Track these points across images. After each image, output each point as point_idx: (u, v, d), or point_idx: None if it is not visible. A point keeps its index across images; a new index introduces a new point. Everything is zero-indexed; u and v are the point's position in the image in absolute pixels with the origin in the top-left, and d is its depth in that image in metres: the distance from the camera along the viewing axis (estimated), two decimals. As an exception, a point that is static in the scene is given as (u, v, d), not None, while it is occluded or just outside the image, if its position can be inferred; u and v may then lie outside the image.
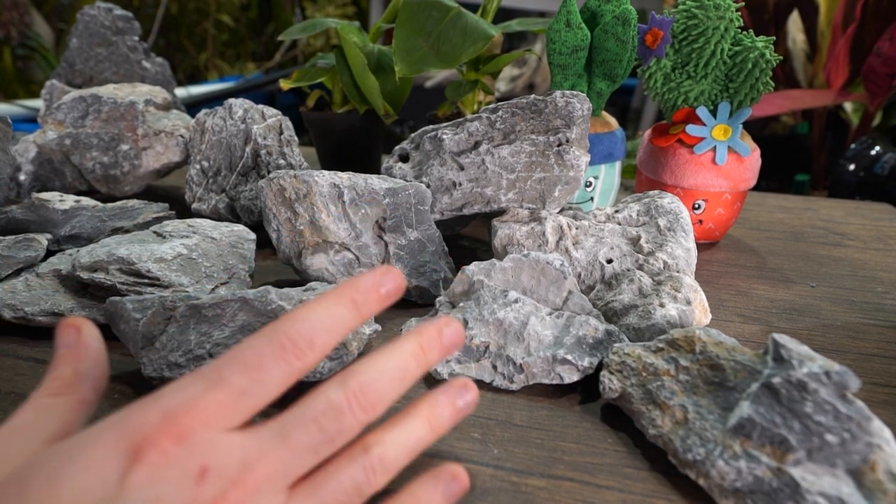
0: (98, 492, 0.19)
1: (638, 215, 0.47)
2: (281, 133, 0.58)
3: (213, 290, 0.40)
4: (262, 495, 0.21)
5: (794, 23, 1.54)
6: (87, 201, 0.51)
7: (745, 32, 0.52)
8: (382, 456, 0.23)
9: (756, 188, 1.31)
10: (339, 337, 0.24)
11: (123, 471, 0.20)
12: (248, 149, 0.56)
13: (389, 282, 0.25)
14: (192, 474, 0.20)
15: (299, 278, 0.46)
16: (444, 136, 0.46)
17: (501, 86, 1.83)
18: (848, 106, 1.53)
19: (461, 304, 0.39)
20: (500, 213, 0.48)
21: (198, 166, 0.58)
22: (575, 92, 0.45)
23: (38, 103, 1.35)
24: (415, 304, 0.46)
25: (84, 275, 0.39)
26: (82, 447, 0.20)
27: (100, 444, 0.20)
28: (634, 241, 0.45)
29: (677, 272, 0.42)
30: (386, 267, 0.25)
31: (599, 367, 0.36)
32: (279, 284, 0.45)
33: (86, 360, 0.24)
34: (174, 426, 0.20)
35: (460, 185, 0.46)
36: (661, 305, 0.38)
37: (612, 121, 0.57)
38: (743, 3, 0.52)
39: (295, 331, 0.23)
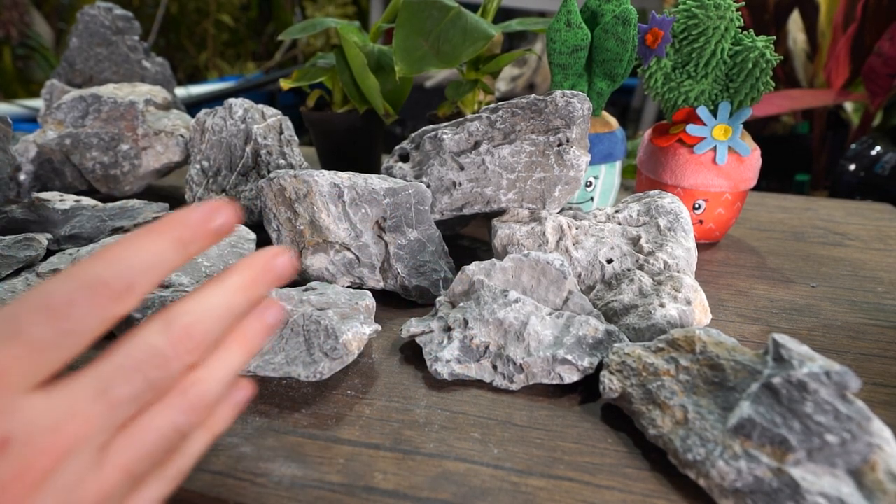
0: None
1: (638, 215, 0.47)
2: (281, 133, 0.58)
3: (213, 289, 0.40)
4: (73, 458, 0.19)
5: (795, 22, 1.54)
6: (87, 201, 0.51)
7: (745, 32, 0.52)
8: (202, 393, 0.22)
9: (756, 188, 1.31)
10: (161, 278, 0.21)
11: None
12: (248, 149, 0.56)
13: (221, 216, 0.22)
14: None
15: (299, 278, 0.46)
16: (444, 136, 0.46)
17: (501, 86, 1.83)
18: (848, 106, 1.53)
19: (461, 304, 0.39)
20: (500, 213, 0.48)
21: (198, 166, 0.58)
22: (575, 92, 0.45)
23: (38, 103, 1.35)
24: (415, 303, 0.46)
25: (84, 275, 0.39)
26: None
27: None
28: (634, 241, 0.45)
29: (677, 272, 0.42)
30: (217, 201, 0.22)
31: (599, 367, 0.36)
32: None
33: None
34: None
35: (460, 184, 0.46)
36: (662, 305, 0.38)
37: (613, 121, 0.57)
38: (743, 3, 0.52)
39: (111, 273, 0.20)
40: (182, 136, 0.62)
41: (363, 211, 0.44)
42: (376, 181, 0.44)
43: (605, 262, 0.44)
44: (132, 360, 0.20)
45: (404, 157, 0.50)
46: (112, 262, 0.20)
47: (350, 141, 0.68)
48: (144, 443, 0.21)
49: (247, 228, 0.46)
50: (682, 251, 0.43)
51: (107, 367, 0.20)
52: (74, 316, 0.19)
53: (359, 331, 0.35)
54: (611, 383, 0.33)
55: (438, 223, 0.48)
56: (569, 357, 0.35)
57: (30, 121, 1.25)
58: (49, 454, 0.19)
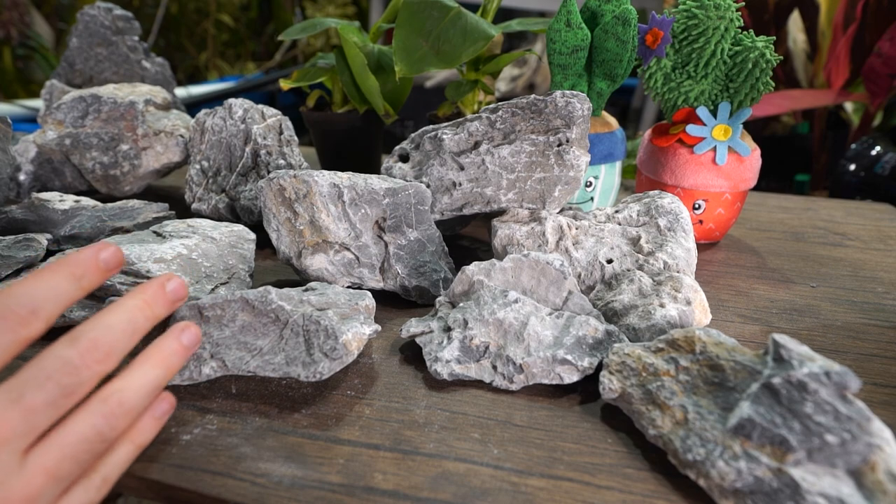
0: None
1: (638, 215, 0.47)
2: (281, 133, 0.58)
3: (212, 290, 0.40)
4: (1, 457, 0.22)
5: (795, 23, 1.54)
6: (87, 201, 0.51)
7: (745, 32, 0.52)
8: (121, 400, 0.25)
9: (756, 188, 1.31)
10: (62, 308, 0.25)
11: None
12: (248, 149, 0.56)
13: (107, 254, 0.26)
14: None
15: (299, 278, 0.46)
16: (444, 136, 0.46)
17: (501, 86, 1.83)
18: (848, 106, 1.52)
19: (461, 305, 0.39)
20: (500, 213, 0.48)
21: (198, 166, 0.58)
22: (575, 92, 0.45)
23: (38, 103, 1.35)
24: (415, 304, 0.46)
25: (84, 275, 0.39)
26: None
27: None
28: (634, 242, 0.45)
29: (677, 272, 0.42)
30: (103, 242, 0.27)
31: (599, 367, 0.36)
32: (279, 284, 0.45)
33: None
34: None
35: (460, 185, 0.46)
36: (662, 306, 0.38)
37: (612, 121, 0.57)
38: (743, 3, 0.52)
39: (15, 302, 0.24)
40: (182, 136, 0.62)
41: (363, 211, 0.44)
42: (376, 181, 0.44)
43: (604, 263, 0.44)
44: (44, 370, 0.23)
45: (404, 158, 0.50)
46: (16, 293, 0.24)
47: (350, 141, 0.68)
48: (65, 445, 0.24)
49: (247, 229, 0.46)
50: (682, 251, 0.43)
51: (21, 377, 0.23)
52: None
53: (359, 331, 0.35)
54: (610, 383, 0.33)
55: (438, 223, 0.48)
56: (568, 357, 0.35)
57: (30, 121, 1.25)
58: None
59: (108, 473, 0.26)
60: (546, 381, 0.35)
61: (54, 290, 0.25)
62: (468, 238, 0.59)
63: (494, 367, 0.36)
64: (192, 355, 0.29)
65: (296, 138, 0.59)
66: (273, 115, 0.59)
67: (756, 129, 1.58)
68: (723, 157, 0.53)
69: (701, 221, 0.56)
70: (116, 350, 0.25)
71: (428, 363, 0.36)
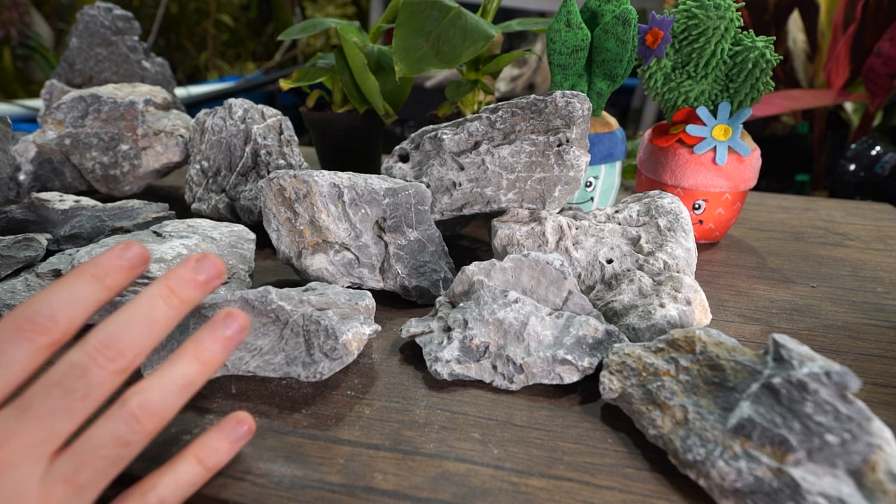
0: None
1: (638, 215, 0.47)
2: (281, 133, 0.58)
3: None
4: (16, 470, 0.22)
5: (795, 22, 1.54)
6: (86, 201, 0.51)
7: (745, 32, 0.52)
8: (143, 403, 0.24)
9: (756, 188, 1.31)
10: (85, 310, 0.24)
11: None
12: (247, 149, 0.56)
13: (131, 252, 0.26)
14: None
15: (299, 278, 0.46)
16: (444, 136, 0.46)
17: (501, 86, 1.83)
18: (848, 106, 1.52)
19: (461, 305, 0.39)
20: (500, 213, 0.48)
21: (198, 166, 0.58)
22: (575, 92, 0.45)
23: (37, 103, 1.35)
24: (415, 304, 0.46)
25: (84, 275, 0.39)
26: None
27: None
28: (634, 242, 0.45)
29: (677, 272, 0.42)
30: (127, 241, 0.26)
31: (599, 367, 0.36)
32: (279, 284, 0.45)
33: None
34: None
35: (460, 185, 0.46)
36: (662, 305, 0.38)
37: (612, 121, 0.57)
38: (743, 3, 0.52)
39: (32, 311, 0.23)
40: (182, 136, 0.62)
41: (363, 211, 0.44)
42: (376, 181, 0.44)
43: (604, 263, 0.44)
44: (51, 377, 0.23)
45: (404, 158, 0.50)
46: (35, 302, 0.24)
47: (350, 141, 0.68)
48: (83, 452, 0.23)
49: (247, 229, 0.46)
50: (682, 251, 0.43)
51: (31, 388, 0.23)
52: (2, 350, 0.23)
53: (359, 331, 0.35)
54: (610, 383, 0.33)
55: (438, 223, 0.48)
56: (569, 357, 0.35)
57: (30, 121, 1.25)
58: None
59: (167, 495, 0.25)
60: (546, 381, 0.35)
61: (73, 293, 0.24)
62: (468, 238, 0.59)
63: (494, 367, 0.36)
64: (236, 346, 0.27)
65: (296, 138, 0.59)
66: (273, 115, 0.59)
67: (756, 129, 1.58)
68: (723, 157, 0.53)
69: (701, 221, 0.56)
70: (133, 346, 0.24)
71: (428, 363, 0.36)
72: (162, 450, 0.30)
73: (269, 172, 0.56)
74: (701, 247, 0.59)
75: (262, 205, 0.44)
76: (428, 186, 0.46)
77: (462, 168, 0.46)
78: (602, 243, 0.45)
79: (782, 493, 0.26)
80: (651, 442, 0.31)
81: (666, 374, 0.32)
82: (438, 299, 0.41)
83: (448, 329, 0.38)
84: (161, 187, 0.71)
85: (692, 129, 0.54)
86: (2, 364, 0.23)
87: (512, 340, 0.36)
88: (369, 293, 0.39)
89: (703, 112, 0.54)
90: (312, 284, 0.40)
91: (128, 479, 0.26)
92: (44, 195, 0.50)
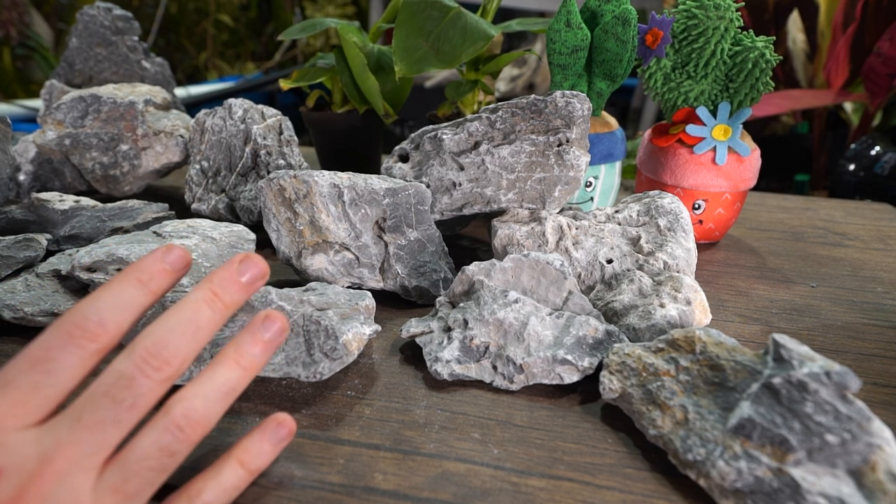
0: None
1: (638, 215, 0.47)
2: (281, 133, 0.58)
3: (212, 290, 0.40)
4: (70, 479, 0.22)
5: (794, 23, 1.54)
6: (86, 201, 0.51)
7: (745, 32, 0.52)
8: (187, 412, 0.24)
9: (756, 188, 1.31)
10: (132, 315, 0.24)
11: None
12: (247, 149, 0.56)
13: (173, 256, 0.26)
14: None
15: (299, 278, 0.46)
16: (444, 136, 0.46)
17: (501, 86, 1.83)
18: (848, 106, 1.52)
19: (461, 305, 0.39)
20: (500, 213, 0.48)
21: (197, 166, 0.57)
22: (575, 92, 0.45)
23: (37, 103, 1.35)
24: (415, 304, 0.46)
25: (83, 275, 0.39)
26: None
27: None
28: (634, 242, 0.45)
29: (677, 272, 0.42)
30: (169, 245, 0.26)
31: (599, 367, 0.36)
32: (279, 284, 0.45)
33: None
34: None
35: (460, 185, 0.46)
36: (662, 306, 0.38)
37: (612, 121, 0.57)
38: (743, 3, 0.52)
39: (81, 317, 0.23)
40: (182, 136, 0.62)
41: (363, 211, 0.44)
42: (376, 181, 0.44)
43: (604, 263, 0.44)
44: (101, 387, 0.23)
45: (404, 158, 0.50)
46: (81, 308, 0.24)
47: (350, 141, 0.68)
48: (130, 462, 0.23)
49: (247, 229, 0.46)
50: (682, 251, 0.43)
51: (81, 398, 0.23)
52: (53, 358, 0.23)
53: (359, 331, 0.35)
54: (611, 383, 0.33)
55: (438, 223, 0.48)
56: (569, 357, 0.35)
57: (29, 121, 1.25)
58: (42, 479, 0.21)
59: (212, 500, 0.25)
60: (546, 381, 0.35)
61: (120, 298, 0.24)
62: (468, 238, 0.59)
63: (494, 367, 0.36)
64: (276, 348, 0.26)
65: (296, 138, 0.59)
66: (273, 115, 0.59)
67: (756, 129, 1.58)
68: (723, 157, 0.53)
69: (701, 221, 0.56)
70: (179, 353, 0.24)
71: (428, 363, 0.36)
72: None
73: (268, 172, 0.56)
74: (701, 247, 0.59)
75: (261, 205, 0.44)
76: (428, 186, 0.46)
77: (462, 168, 0.46)
78: (602, 243, 0.45)
79: (782, 493, 0.26)
80: (651, 442, 0.31)
81: (666, 374, 0.32)
82: (438, 299, 0.41)
83: (448, 329, 0.38)
84: (161, 187, 0.71)
85: (692, 129, 0.54)
86: (55, 371, 0.23)
87: (512, 340, 0.36)
88: (369, 293, 0.39)
89: (702, 112, 0.54)
90: (312, 284, 0.40)
91: (166, 486, 0.26)
92: (44, 195, 0.50)
